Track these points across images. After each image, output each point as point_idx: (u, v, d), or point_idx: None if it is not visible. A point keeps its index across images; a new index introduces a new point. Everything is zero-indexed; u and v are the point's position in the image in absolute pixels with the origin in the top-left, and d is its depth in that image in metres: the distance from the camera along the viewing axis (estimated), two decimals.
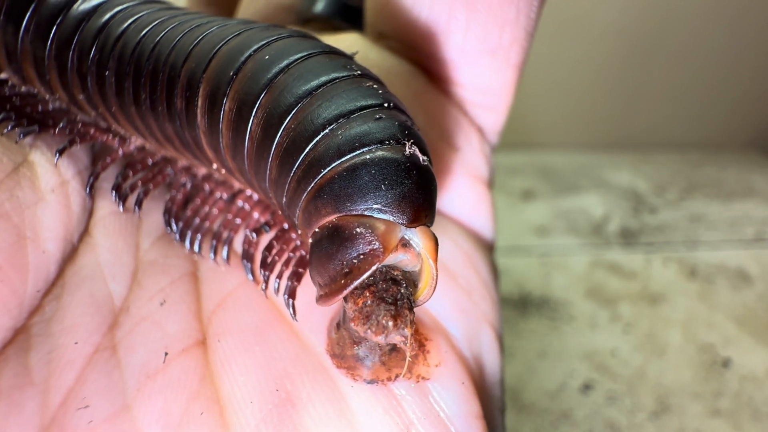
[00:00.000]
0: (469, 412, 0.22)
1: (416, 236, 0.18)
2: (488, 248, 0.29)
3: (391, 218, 0.17)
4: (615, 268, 1.01)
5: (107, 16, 0.24)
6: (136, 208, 0.26)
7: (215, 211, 0.25)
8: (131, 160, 0.27)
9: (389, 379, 0.21)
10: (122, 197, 0.26)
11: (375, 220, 0.17)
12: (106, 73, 0.23)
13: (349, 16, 0.38)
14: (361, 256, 0.17)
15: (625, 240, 1.09)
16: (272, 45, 0.20)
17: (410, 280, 0.18)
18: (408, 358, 0.20)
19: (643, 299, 0.95)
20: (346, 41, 0.31)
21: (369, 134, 0.17)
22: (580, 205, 1.17)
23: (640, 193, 1.23)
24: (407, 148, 0.17)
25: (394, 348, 0.21)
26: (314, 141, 0.18)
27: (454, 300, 0.24)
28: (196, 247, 0.25)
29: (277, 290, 0.23)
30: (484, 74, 0.28)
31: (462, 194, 0.28)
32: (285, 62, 0.19)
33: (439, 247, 0.24)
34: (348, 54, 0.20)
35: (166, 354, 0.22)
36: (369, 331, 0.17)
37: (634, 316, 0.92)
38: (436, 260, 0.18)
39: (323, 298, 0.18)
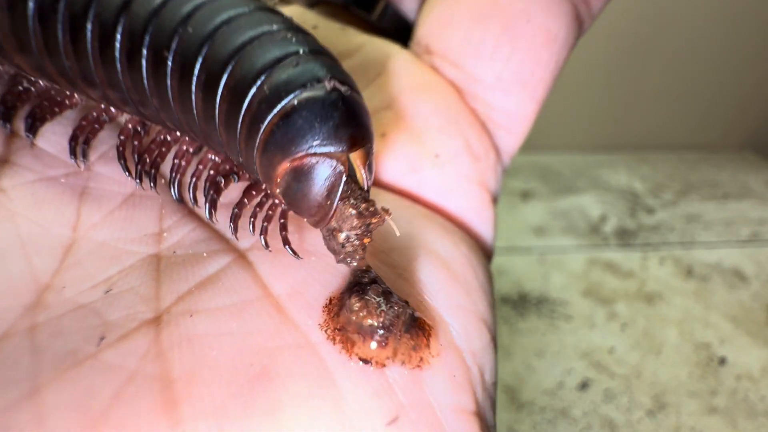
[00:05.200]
0: (461, 405, 0.21)
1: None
2: (487, 255, 0.31)
3: (332, 150, 0.19)
4: (612, 268, 1.02)
5: None
6: (83, 161, 0.23)
7: (183, 162, 0.24)
8: (85, 116, 0.24)
9: (388, 361, 0.20)
10: (78, 153, 0.23)
11: (321, 153, 0.19)
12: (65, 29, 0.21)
13: (362, 3, 0.38)
14: (328, 178, 0.19)
15: (622, 240, 1.09)
16: (213, 3, 0.20)
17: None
18: (423, 339, 0.21)
19: (639, 298, 0.96)
20: (393, 54, 0.34)
21: (291, 81, 0.19)
22: (578, 206, 1.18)
23: (637, 193, 1.24)
24: (327, 84, 0.19)
25: (409, 329, 0.21)
26: (247, 100, 0.19)
27: (455, 297, 0.24)
28: (175, 191, 0.24)
29: (259, 233, 0.23)
30: (512, 101, 0.31)
31: (471, 199, 0.30)
32: (217, 21, 0.20)
33: (442, 246, 0.26)
34: (275, 10, 0.21)
35: (102, 339, 0.20)
36: (357, 221, 0.20)
37: (631, 314, 0.93)
38: (363, 164, 0.20)
39: (319, 222, 0.20)
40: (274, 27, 0.20)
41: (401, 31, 0.37)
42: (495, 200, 0.32)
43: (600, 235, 1.10)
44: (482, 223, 0.31)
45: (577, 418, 0.78)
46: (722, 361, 0.86)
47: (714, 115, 1.40)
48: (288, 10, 0.36)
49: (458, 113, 0.31)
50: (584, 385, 0.82)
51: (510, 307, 0.93)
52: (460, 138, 0.31)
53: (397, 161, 0.30)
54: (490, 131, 0.32)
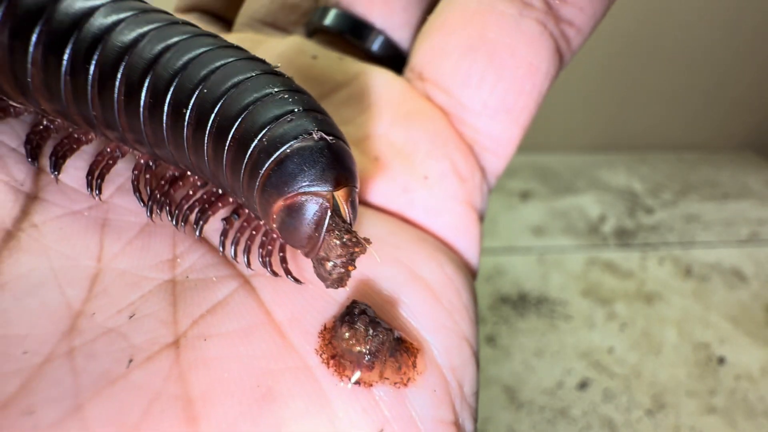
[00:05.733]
0: (440, 417, 0.24)
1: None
2: (471, 274, 0.33)
3: (319, 189, 0.22)
4: (611, 268, 1.02)
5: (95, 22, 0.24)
6: (97, 194, 0.26)
7: (192, 197, 0.27)
8: (100, 151, 0.26)
9: (375, 381, 0.23)
10: (94, 186, 0.26)
11: (309, 192, 0.22)
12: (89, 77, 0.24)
13: (358, 33, 0.39)
14: (316, 213, 0.22)
15: (621, 240, 1.09)
16: (227, 66, 0.24)
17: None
18: (408, 363, 0.24)
19: (639, 298, 0.96)
20: (388, 82, 0.36)
21: (286, 134, 0.22)
22: (577, 206, 1.18)
23: (636, 193, 1.24)
24: (315, 135, 0.22)
25: (394, 352, 0.23)
26: (249, 150, 0.23)
27: (437, 317, 0.27)
28: (181, 226, 0.26)
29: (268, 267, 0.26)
30: (497, 126, 0.34)
31: (457, 218, 0.33)
32: (229, 84, 0.23)
33: (427, 269, 0.28)
34: (276, 71, 0.25)
35: (131, 361, 0.22)
36: (341, 250, 0.22)
37: (630, 314, 0.93)
38: (346, 201, 0.23)
39: (309, 252, 0.23)
40: (275, 89, 0.24)
41: (394, 59, 0.40)
42: (481, 218, 0.35)
43: (599, 235, 1.10)
44: (468, 240, 0.33)
45: (576, 417, 0.78)
46: (721, 360, 0.86)
47: (713, 115, 1.40)
48: (289, 40, 0.38)
49: (446, 138, 0.34)
50: (583, 385, 0.82)
51: (509, 307, 0.93)
52: (447, 161, 0.33)
53: (389, 183, 0.32)
54: (476, 154, 0.35)
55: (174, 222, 0.26)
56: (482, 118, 0.34)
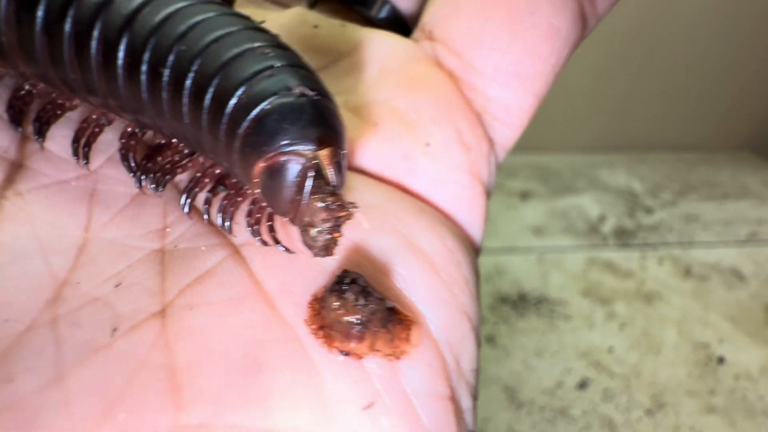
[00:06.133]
0: (434, 391, 0.23)
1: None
2: (474, 249, 0.31)
3: (300, 148, 0.21)
4: (611, 268, 1.02)
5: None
6: (84, 163, 0.25)
7: (179, 166, 0.26)
8: (85, 118, 0.25)
9: (365, 353, 0.22)
10: (81, 155, 0.25)
11: (290, 152, 0.21)
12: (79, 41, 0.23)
13: (361, 0, 0.38)
14: (298, 174, 0.21)
15: (620, 240, 1.10)
16: (206, 23, 0.23)
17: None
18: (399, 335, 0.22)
19: (638, 298, 0.96)
20: (393, 47, 0.34)
21: (265, 90, 0.21)
22: (577, 206, 1.18)
23: (635, 193, 1.24)
24: (296, 90, 0.21)
25: (386, 323, 0.23)
26: (228, 109, 0.21)
27: (434, 290, 0.26)
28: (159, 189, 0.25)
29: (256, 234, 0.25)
30: (509, 93, 0.31)
31: (460, 189, 0.31)
32: (207, 40, 0.22)
33: (426, 240, 0.27)
34: (259, 27, 0.24)
35: (115, 330, 0.21)
36: (325, 214, 0.21)
37: (630, 314, 0.93)
38: (330, 162, 0.22)
39: (293, 218, 0.22)
40: (256, 44, 0.22)
41: (399, 27, 0.38)
42: (488, 193, 0.32)
43: (599, 235, 1.11)
44: (472, 213, 0.31)
45: (576, 417, 0.78)
46: (721, 360, 0.86)
47: (713, 116, 1.40)
48: (290, 12, 0.37)
49: (451, 104, 0.32)
50: (583, 385, 0.82)
51: (509, 307, 0.93)
52: (450, 128, 0.31)
53: (389, 150, 0.30)
54: (485, 123, 0.32)
55: (159, 189, 0.25)
56: (494, 83, 0.31)
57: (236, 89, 0.21)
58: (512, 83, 0.31)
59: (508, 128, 0.33)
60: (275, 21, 0.36)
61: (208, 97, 0.22)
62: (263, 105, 0.21)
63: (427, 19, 0.34)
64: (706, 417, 0.79)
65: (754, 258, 1.05)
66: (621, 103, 1.35)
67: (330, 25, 0.36)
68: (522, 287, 0.97)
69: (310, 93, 0.21)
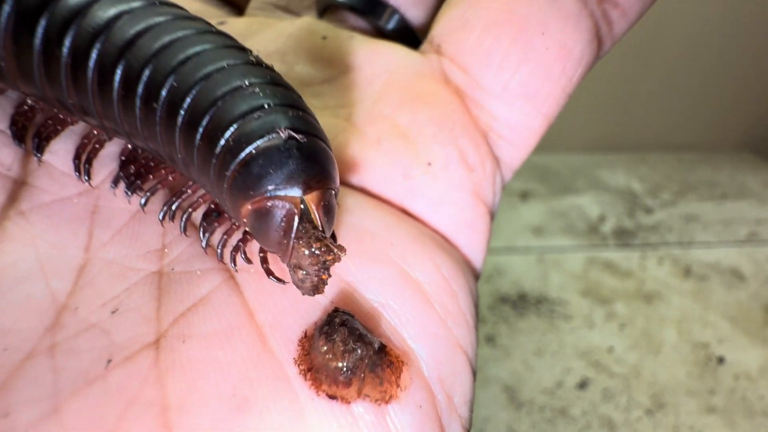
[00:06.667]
0: None
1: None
2: (473, 274, 0.31)
3: (286, 193, 0.21)
4: (611, 268, 1.03)
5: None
6: (86, 179, 0.25)
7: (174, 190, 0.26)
8: (87, 134, 0.25)
9: (353, 398, 0.22)
10: (82, 171, 0.25)
11: (276, 197, 0.21)
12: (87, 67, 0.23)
13: (370, 8, 0.37)
14: (283, 220, 0.21)
15: (620, 240, 1.10)
16: (200, 56, 0.22)
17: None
18: (388, 380, 0.22)
19: (638, 298, 0.96)
20: (400, 61, 0.34)
21: (252, 133, 0.21)
22: (577, 206, 1.18)
23: (635, 193, 1.24)
24: (283, 133, 0.21)
25: (374, 368, 0.22)
26: (216, 150, 0.21)
27: (426, 324, 0.25)
28: (169, 218, 0.25)
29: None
30: (516, 113, 0.31)
31: (461, 210, 0.30)
32: (198, 76, 0.22)
33: (421, 270, 0.26)
34: (254, 60, 0.23)
35: (110, 361, 0.21)
36: (312, 259, 0.21)
37: (630, 314, 0.93)
38: (318, 206, 0.22)
39: (282, 258, 0.22)
40: (246, 82, 0.22)
41: (408, 38, 0.37)
42: (492, 214, 0.32)
43: (599, 235, 1.11)
44: (473, 235, 0.30)
45: (576, 417, 0.78)
46: (720, 360, 0.86)
47: (712, 116, 1.40)
48: (299, 21, 0.37)
49: (455, 123, 0.31)
50: (583, 385, 0.82)
51: (509, 307, 0.93)
52: (453, 147, 0.30)
53: (389, 168, 0.30)
54: (491, 141, 0.32)
55: (162, 215, 0.25)
56: (501, 102, 0.31)
57: (225, 130, 0.21)
58: (520, 103, 0.31)
59: (515, 148, 0.32)
60: (284, 30, 0.36)
61: (198, 136, 0.22)
62: (249, 149, 0.21)
63: (436, 32, 0.33)
64: (705, 417, 0.79)
65: (754, 258, 1.05)
66: (621, 103, 1.36)
67: (338, 36, 0.35)
68: (522, 287, 0.97)
69: (298, 136, 0.21)
